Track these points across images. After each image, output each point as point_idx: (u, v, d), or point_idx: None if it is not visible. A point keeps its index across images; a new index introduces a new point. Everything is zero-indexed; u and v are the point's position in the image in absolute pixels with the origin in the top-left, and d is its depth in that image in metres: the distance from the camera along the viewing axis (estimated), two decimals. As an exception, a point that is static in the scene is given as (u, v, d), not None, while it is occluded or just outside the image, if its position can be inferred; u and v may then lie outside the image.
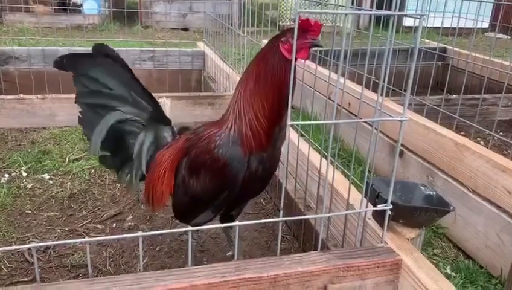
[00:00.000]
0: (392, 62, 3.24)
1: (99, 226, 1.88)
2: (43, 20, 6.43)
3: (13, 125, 2.64)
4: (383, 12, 1.09)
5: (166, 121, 1.52)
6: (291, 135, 1.87)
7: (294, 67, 0.96)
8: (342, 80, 1.86)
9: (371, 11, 1.20)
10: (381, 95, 1.11)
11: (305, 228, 1.72)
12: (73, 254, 1.69)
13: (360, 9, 1.80)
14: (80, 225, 1.88)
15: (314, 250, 1.20)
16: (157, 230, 1.86)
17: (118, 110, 1.46)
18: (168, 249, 1.76)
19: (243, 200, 1.43)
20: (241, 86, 1.27)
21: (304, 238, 1.74)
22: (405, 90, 1.08)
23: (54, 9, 6.35)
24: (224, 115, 1.32)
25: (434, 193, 1.35)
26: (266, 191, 2.21)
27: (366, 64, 1.28)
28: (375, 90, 1.59)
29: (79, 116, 1.50)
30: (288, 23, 6.06)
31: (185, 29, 6.85)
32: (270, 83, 1.21)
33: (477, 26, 2.63)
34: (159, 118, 1.50)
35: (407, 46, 3.19)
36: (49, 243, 1.31)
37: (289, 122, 1.00)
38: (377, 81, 1.80)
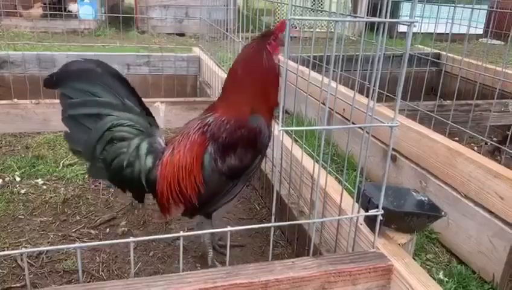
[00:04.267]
0: (386, 68, 3.26)
1: (92, 231, 1.88)
2: (39, 25, 6.42)
3: (7, 130, 2.64)
4: (375, 19, 1.10)
5: (156, 125, 1.55)
6: (285, 140, 1.87)
7: (286, 71, 0.97)
8: (334, 85, 1.88)
9: (362, 18, 1.21)
10: (373, 100, 1.12)
11: (298, 233, 1.72)
12: (66, 260, 1.68)
13: (352, 16, 1.81)
14: (73, 230, 1.88)
15: (307, 255, 1.20)
16: (151, 235, 1.85)
17: (109, 116, 1.46)
18: (161, 255, 1.76)
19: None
20: (238, 76, 1.50)
21: (297, 243, 1.74)
22: (396, 96, 1.09)
23: (49, 13, 6.35)
24: (221, 103, 1.53)
25: (426, 199, 1.35)
26: (260, 196, 2.21)
27: (358, 69, 1.29)
28: (368, 96, 1.61)
29: (66, 132, 1.50)
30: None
31: (181, 35, 6.87)
32: (265, 72, 1.49)
33: (472, 33, 2.65)
34: (150, 122, 1.52)
35: (401, 52, 3.21)
36: (41, 249, 1.31)
37: (281, 128, 1.00)
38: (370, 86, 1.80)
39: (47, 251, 1.70)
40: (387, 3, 1.03)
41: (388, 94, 2.49)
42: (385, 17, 1.04)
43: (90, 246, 1.74)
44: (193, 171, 1.46)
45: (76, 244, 0.94)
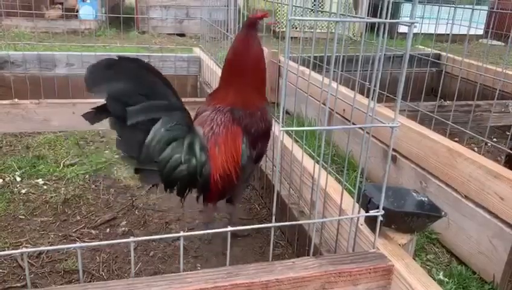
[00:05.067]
0: (387, 68, 3.26)
1: (93, 231, 1.88)
2: (40, 25, 6.43)
3: (8, 130, 2.64)
4: (375, 19, 1.10)
5: (191, 118, 1.57)
6: (285, 140, 1.87)
7: (286, 72, 0.97)
8: (335, 85, 1.88)
9: (363, 18, 1.21)
10: (373, 100, 1.12)
11: (299, 233, 1.72)
12: (66, 260, 1.69)
13: (352, 17, 1.81)
14: (74, 230, 1.88)
15: (308, 256, 1.20)
16: (151, 235, 1.86)
17: (164, 118, 1.42)
18: (161, 255, 1.76)
19: None
20: (241, 66, 1.67)
21: (297, 243, 1.74)
22: (397, 97, 1.09)
23: (66, 15, 6.37)
24: (234, 93, 1.67)
25: (426, 199, 1.35)
26: (261, 196, 2.21)
27: (358, 70, 1.29)
28: (369, 96, 1.62)
29: (118, 140, 1.40)
30: (283, 29, 6.09)
31: (182, 35, 6.87)
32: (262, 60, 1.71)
33: (472, 33, 2.65)
34: (188, 116, 1.53)
35: (401, 52, 3.21)
36: (42, 249, 1.30)
37: (282, 128, 1.00)
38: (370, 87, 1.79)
39: (47, 250, 1.70)
40: (388, 4, 1.03)
41: (388, 95, 2.49)
42: (386, 18, 1.04)
43: (91, 246, 1.74)
44: (237, 160, 1.60)
45: (77, 244, 0.95)
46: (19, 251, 0.95)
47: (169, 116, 1.43)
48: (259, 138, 1.68)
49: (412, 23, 0.99)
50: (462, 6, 2.91)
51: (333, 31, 1.06)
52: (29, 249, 1.57)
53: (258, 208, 2.14)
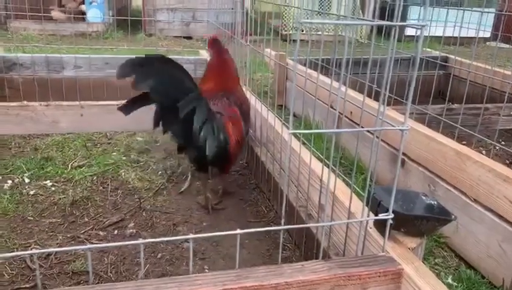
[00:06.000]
0: (394, 71, 3.26)
1: (100, 233, 1.89)
2: (48, 28, 6.47)
3: (16, 131, 2.65)
4: (385, 22, 1.10)
5: None
6: (293, 143, 1.87)
7: (295, 75, 0.97)
8: (343, 88, 1.86)
9: (372, 21, 1.21)
10: (383, 103, 1.12)
11: (306, 236, 1.71)
12: (74, 261, 1.69)
13: (362, 20, 1.81)
14: (82, 231, 1.89)
15: (316, 259, 1.20)
16: (159, 237, 1.86)
17: (201, 108, 1.79)
18: (169, 257, 1.76)
19: None
20: (220, 68, 2.27)
21: (305, 246, 1.74)
22: (406, 99, 1.08)
23: (74, 17, 6.43)
24: (221, 83, 2.19)
25: (435, 202, 1.35)
26: (268, 199, 2.21)
27: (367, 73, 1.29)
28: (376, 99, 1.61)
29: (173, 131, 1.87)
30: (291, 32, 6.10)
31: (188, 38, 6.90)
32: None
33: (479, 36, 2.64)
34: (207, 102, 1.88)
35: (408, 55, 3.20)
36: (52, 250, 1.31)
37: (291, 131, 1.00)
38: (378, 90, 1.79)
39: (56, 252, 1.71)
40: (399, 6, 1.03)
41: (396, 98, 2.48)
42: (396, 21, 1.04)
43: (101, 248, 1.75)
44: (241, 135, 2.05)
45: (87, 246, 0.95)
46: (29, 252, 0.96)
47: (200, 106, 1.77)
48: (247, 114, 2.21)
49: (423, 26, 0.99)
50: (470, 8, 2.89)
51: (340, 33, 1.06)
52: (39, 251, 1.58)
53: (265, 211, 2.14)
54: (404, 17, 6.46)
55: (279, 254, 1.15)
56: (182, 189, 2.30)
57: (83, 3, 6.87)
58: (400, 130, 1.08)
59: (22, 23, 6.34)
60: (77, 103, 2.61)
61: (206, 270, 1.70)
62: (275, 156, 2.13)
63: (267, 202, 2.19)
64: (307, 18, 2.49)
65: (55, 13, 6.47)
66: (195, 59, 3.70)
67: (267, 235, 1.92)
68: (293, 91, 0.99)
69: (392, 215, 1.17)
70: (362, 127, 1.30)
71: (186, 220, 2.03)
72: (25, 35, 6.16)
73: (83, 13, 6.77)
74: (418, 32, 1.00)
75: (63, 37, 6.28)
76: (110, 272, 1.66)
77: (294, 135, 1.87)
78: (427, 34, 4.04)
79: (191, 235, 1.06)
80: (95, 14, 6.67)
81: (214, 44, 2.32)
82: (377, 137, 1.18)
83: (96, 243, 1.80)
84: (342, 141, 2.69)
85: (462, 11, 2.59)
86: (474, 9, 2.92)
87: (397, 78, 2.82)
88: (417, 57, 1.00)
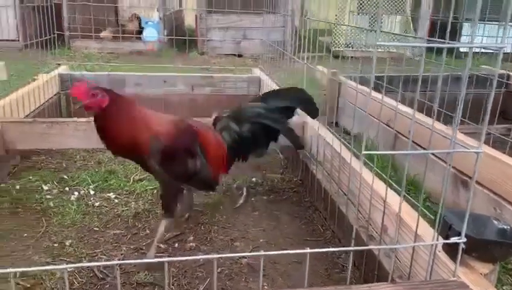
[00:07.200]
0: (451, 89, 3.17)
1: (162, 245, 1.95)
2: (107, 46, 6.82)
3: (81, 146, 2.79)
4: (460, 44, 1.09)
5: None
6: (353, 162, 1.86)
7: (357, 94, 0.98)
8: (402, 107, 1.83)
9: (444, 42, 1.20)
10: (455, 125, 1.10)
11: (367, 257, 1.69)
12: (138, 272, 1.75)
13: (434, 41, 1.79)
14: (144, 243, 1.95)
15: (378, 281, 1.18)
16: (218, 252, 1.89)
17: None
18: (228, 272, 1.79)
19: None
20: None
21: (365, 268, 1.71)
22: (482, 120, 1.06)
23: (114, 36, 6.79)
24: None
25: (508, 227, 1.30)
26: (324, 218, 2.20)
27: (438, 91, 1.27)
28: (428, 115, 1.58)
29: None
30: (342, 49, 6.08)
31: (239, 56, 7.04)
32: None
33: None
34: None
35: (475, 73, 3.12)
36: (133, 261, 1.37)
37: (364, 152, 1.01)
38: (440, 110, 1.75)
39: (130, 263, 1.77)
40: (474, 28, 1.02)
41: (463, 119, 2.41)
42: (470, 43, 1.03)
43: (178, 261, 1.80)
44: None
45: (166, 259, 0.99)
46: (112, 262, 1.01)
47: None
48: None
49: (502, 47, 0.97)
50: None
51: (390, 50, 1.06)
52: (121, 261, 1.65)
53: (321, 229, 2.13)
54: (456, 34, 6.29)
55: (346, 275, 1.15)
56: (238, 204, 2.34)
57: (140, 23, 7.20)
58: (475, 152, 1.06)
59: (84, 42, 6.71)
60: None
61: (266, 288, 1.71)
62: (332, 175, 2.12)
63: (323, 221, 2.18)
64: (358, 36, 2.48)
65: (104, 34, 6.85)
66: (248, 77, 3.78)
67: (324, 255, 1.91)
68: (354, 112, 1.00)
69: (464, 239, 1.14)
70: (432, 149, 1.28)
71: (243, 235, 2.05)
72: (86, 53, 6.51)
73: (139, 32, 7.09)
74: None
75: (121, 54, 6.60)
76: (172, 285, 1.70)
77: (355, 154, 1.86)
78: (479, 51, 3.93)
79: (263, 253, 1.08)
80: (151, 34, 6.96)
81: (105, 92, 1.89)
82: (448, 161, 1.16)
83: (158, 256, 1.85)
84: (399, 161, 2.64)
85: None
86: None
87: (449, 96, 2.75)
88: (495, 78, 0.99)
